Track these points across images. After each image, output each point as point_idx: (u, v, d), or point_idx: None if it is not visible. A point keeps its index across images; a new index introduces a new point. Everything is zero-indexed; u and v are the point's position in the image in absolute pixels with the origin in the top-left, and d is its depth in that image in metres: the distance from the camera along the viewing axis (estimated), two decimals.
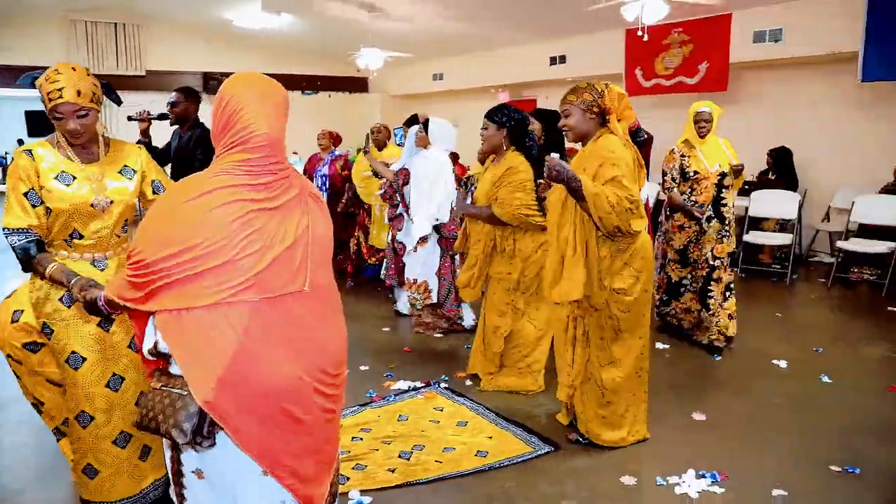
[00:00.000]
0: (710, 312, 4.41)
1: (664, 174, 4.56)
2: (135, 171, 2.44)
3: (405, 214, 5.13)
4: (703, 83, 7.86)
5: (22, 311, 2.43)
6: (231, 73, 1.71)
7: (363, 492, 2.75)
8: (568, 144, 4.00)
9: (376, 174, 5.41)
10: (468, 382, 3.99)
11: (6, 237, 2.23)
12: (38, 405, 2.63)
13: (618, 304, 2.98)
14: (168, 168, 4.27)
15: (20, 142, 9.97)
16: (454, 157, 8.72)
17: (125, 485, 2.48)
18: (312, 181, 6.37)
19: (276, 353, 1.57)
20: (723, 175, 4.37)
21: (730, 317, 4.44)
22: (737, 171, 4.39)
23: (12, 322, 2.46)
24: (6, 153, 11.05)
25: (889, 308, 5.61)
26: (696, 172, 4.40)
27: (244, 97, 1.60)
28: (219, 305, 1.52)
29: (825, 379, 3.99)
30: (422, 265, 4.85)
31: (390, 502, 2.73)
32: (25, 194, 2.23)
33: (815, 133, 7.51)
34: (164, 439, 1.68)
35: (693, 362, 4.34)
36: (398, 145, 6.24)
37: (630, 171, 2.89)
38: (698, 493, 2.75)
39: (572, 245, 2.95)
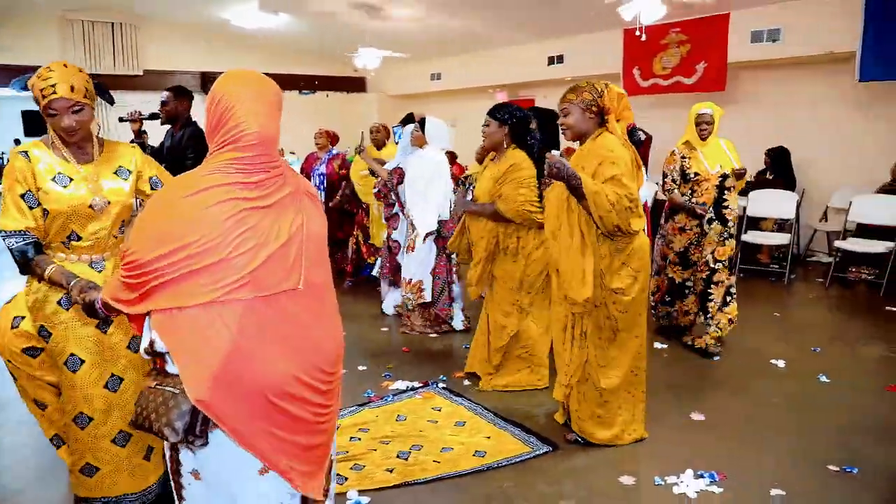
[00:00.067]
0: (709, 316, 4.39)
1: (664, 176, 4.53)
2: (130, 172, 2.43)
3: (401, 213, 5.13)
4: (700, 83, 7.87)
5: (23, 317, 2.42)
6: None
7: (361, 492, 2.75)
8: (566, 143, 4.00)
9: (373, 173, 5.41)
10: (466, 382, 3.99)
11: (3, 239, 2.21)
12: (38, 409, 2.62)
13: (616, 305, 2.98)
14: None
15: (17, 141, 9.95)
16: (452, 156, 8.71)
17: (126, 482, 2.48)
18: (310, 180, 6.36)
19: (270, 351, 1.57)
20: (724, 177, 4.34)
21: (730, 321, 4.41)
22: (738, 174, 4.35)
23: (12, 328, 2.45)
24: (2, 153, 11.06)
25: (887, 308, 5.62)
26: (696, 174, 4.37)
27: (236, 95, 1.59)
28: (213, 304, 1.52)
29: (823, 378, 4.00)
30: (418, 264, 4.85)
31: (388, 502, 2.72)
32: (22, 196, 2.21)
33: (813, 133, 7.52)
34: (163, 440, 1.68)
35: (691, 362, 4.34)
36: (398, 144, 6.23)
37: (629, 171, 2.89)
38: (696, 493, 2.75)
39: (579, 244, 2.94)
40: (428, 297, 4.84)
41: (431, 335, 4.91)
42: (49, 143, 2.30)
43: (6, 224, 2.20)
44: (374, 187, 5.39)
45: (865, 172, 7.05)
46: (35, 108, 2.27)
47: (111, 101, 2.51)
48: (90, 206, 2.28)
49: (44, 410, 2.62)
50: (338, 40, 10.53)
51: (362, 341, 4.79)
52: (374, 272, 5.76)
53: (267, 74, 1.70)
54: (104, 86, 2.46)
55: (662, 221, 4.69)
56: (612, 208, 2.81)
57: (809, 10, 6.87)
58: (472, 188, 4.14)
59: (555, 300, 3.18)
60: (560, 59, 9.67)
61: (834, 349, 4.58)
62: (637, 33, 6.60)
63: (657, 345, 4.59)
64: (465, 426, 3.38)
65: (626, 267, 2.98)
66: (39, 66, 2.21)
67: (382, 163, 5.42)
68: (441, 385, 3.94)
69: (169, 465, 1.74)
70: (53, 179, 2.25)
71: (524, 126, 3.77)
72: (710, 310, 4.39)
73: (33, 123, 9.61)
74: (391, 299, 5.48)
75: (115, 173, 2.39)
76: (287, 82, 12.19)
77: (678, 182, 4.46)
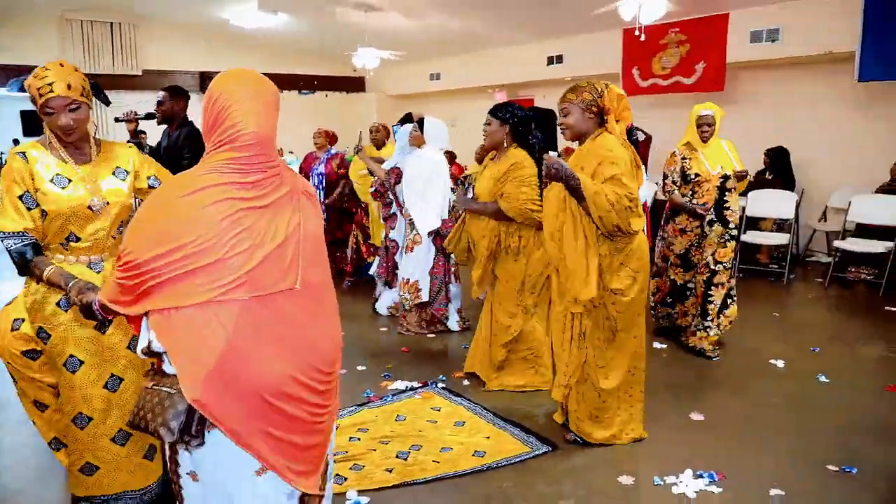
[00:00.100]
0: (708, 318, 4.38)
1: (665, 177, 4.52)
2: (127, 172, 2.42)
3: (398, 213, 5.12)
4: (699, 83, 7.87)
5: (23, 319, 2.42)
6: None
7: (360, 492, 2.75)
8: (565, 143, 4.00)
9: (371, 172, 5.41)
10: (465, 382, 3.99)
11: (1, 241, 2.20)
12: (37, 411, 2.62)
13: (615, 305, 2.98)
14: None
15: (16, 141, 9.95)
16: (451, 156, 8.71)
17: (125, 479, 2.48)
18: (309, 180, 6.36)
19: (266, 351, 1.57)
20: (725, 178, 4.32)
21: (730, 323, 4.40)
22: (740, 176, 4.33)
23: (12, 330, 2.45)
24: (1, 153, 11.05)
25: (886, 307, 5.62)
26: (697, 175, 4.35)
27: (233, 94, 1.59)
28: (209, 304, 1.52)
29: (822, 378, 4.00)
30: (416, 264, 4.84)
31: (388, 502, 2.72)
32: (20, 197, 2.20)
33: (812, 133, 7.52)
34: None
35: (690, 362, 4.33)
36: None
37: (629, 170, 2.89)
38: (696, 493, 2.75)
39: (583, 245, 2.94)
40: (425, 296, 4.84)
41: (429, 335, 4.91)
42: (46, 144, 2.30)
43: (4, 225, 2.19)
44: (371, 186, 5.38)
45: (865, 172, 7.05)
46: (34, 108, 2.27)
47: (107, 102, 2.51)
48: (89, 207, 2.27)
49: (43, 412, 2.62)
50: (337, 40, 10.53)
51: (362, 341, 4.79)
52: (371, 272, 5.76)
53: (266, 74, 1.69)
54: (100, 86, 2.46)
55: (663, 223, 4.68)
56: (611, 208, 2.81)
57: (808, 10, 6.87)
58: (471, 187, 4.14)
59: (554, 300, 3.18)
60: (559, 59, 9.67)
61: (833, 349, 4.58)
62: (636, 33, 6.60)
63: (656, 345, 4.59)
64: (464, 426, 3.38)
65: (624, 267, 2.98)
66: (37, 67, 2.21)
67: (381, 162, 5.41)
68: (440, 385, 3.94)
69: (168, 465, 1.74)
70: (52, 181, 2.24)
71: (526, 125, 3.77)
72: (710, 311, 4.38)
73: (32, 123, 9.62)
74: (385, 300, 5.48)
75: (113, 174, 2.38)
76: (286, 82, 12.20)
77: (678, 183, 4.45)
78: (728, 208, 4.34)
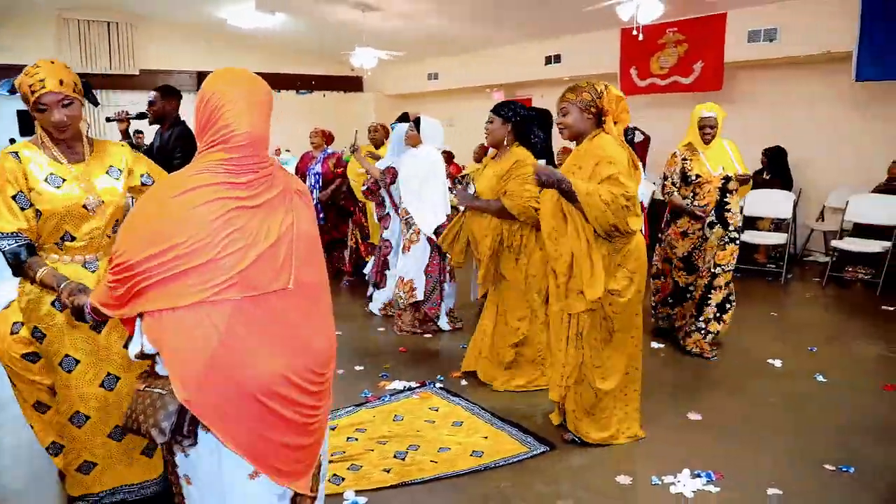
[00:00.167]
0: (701, 319, 4.36)
1: (664, 178, 4.49)
2: (121, 171, 2.42)
3: (392, 213, 5.12)
4: (697, 83, 7.87)
5: (22, 323, 2.41)
6: None
7: (358, 492, 2.74)
8: (562, 143, 4.00)
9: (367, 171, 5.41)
10: (463, 382, 3.98)
11: None
12: (37, 413, 2.61)
13: (612, 306, 2.98)
14: None
15: (12, 141, 9.92)
16: (449, 156, 8.71)
17: (122, 473, 2.49)
18: (305, 179, 6.35)
19: (259, 351, 1.57)
20: (727, 179, 4.27)
21: (727, 327, 4.39)
22: (742, 180, 4.29)
23: (12, 333, 2.44)
24: None
25: (883, 307, 5.63)
26: (697, 176, 4.31)
27: (226, 94, 1.58)
28: (202, 304, 1.51)
29: (820, 378, 4.00)
30: (412, 263, 4.84)
31: (386, 503, 2.71)
32: (14, 197, 2.19)
33: (810, 133, 7.53)
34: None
35: (688, 362, 4.33)
36: None
37: (626, 170, 2.89)
38: (693, 493, 2.75)
39: (586, 246, 2.94)
40: (419, 295, 4.83)
41: (426, 335, 4.90)
42: (39, 144, 2.29)
43: None
44: (364, 185, 5.37)
45: (862, 172, 7.06)
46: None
47: (95, 103, 2.50)
48: (84, 207, 2.27)
49: (45, 413, 2.61)
50: (335, 40, 10.52)
51: (359, 341, 4.78)
52: (366, 271, 5.76)
53: (264, 74, 1.68)
54: (90, 85, 2.45)
55: (664, 225, 4.66)
56: (606, 208, 2.81)
57: (806, 10, 6.87)
58: (470, 184, 4.13)
59: (551, 300, 3.18)
60: (557, 58, 9.67)
61: (831, 349, 4.58)
62: (634, 33, 6.61)
63: (654, 345, 4.59)
64: (462, 426, 3.38)
65: (621, 268, 2.98)
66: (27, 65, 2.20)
67: (378, 158, 5.41)
68: (438, 385, 3.93)
69: (167, 467, 1.74)
70: (46, 180, 2.23)
71: (528, 124, 3.78)
72: (705, 312, 4.36)
73: (28, 123, 9.56)
74: (377, 300, 5.48)
75: (107, 172, 2.38)
76: (284, 82, 12.20)
77: (678, 184, 4.42)
78: (729, 210, 4.31)
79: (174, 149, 4.13)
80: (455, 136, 9.74)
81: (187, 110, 4.18)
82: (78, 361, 2.34)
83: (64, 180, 2.26)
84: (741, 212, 6.66)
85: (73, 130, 2.27)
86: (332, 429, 3.28)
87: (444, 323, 5.00)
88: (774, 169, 7.35)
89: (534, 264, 3.74)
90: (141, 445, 2.52)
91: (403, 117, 5.80)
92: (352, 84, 13.44)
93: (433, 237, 4.75)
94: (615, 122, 3.00)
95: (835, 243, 6.43)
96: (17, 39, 9.79)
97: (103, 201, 2.32)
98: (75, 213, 2.26)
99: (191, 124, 1.98)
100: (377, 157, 5.75)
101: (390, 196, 5.13)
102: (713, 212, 4.31)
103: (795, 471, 2.93)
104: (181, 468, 1.68)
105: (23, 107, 2.28)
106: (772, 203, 6.85)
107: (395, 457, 3.04)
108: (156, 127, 4.48)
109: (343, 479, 2.84)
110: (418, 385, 3.93)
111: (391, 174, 4.98)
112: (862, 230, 6.46)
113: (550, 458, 3.07)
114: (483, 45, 10.60)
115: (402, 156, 4.94)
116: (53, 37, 10.24)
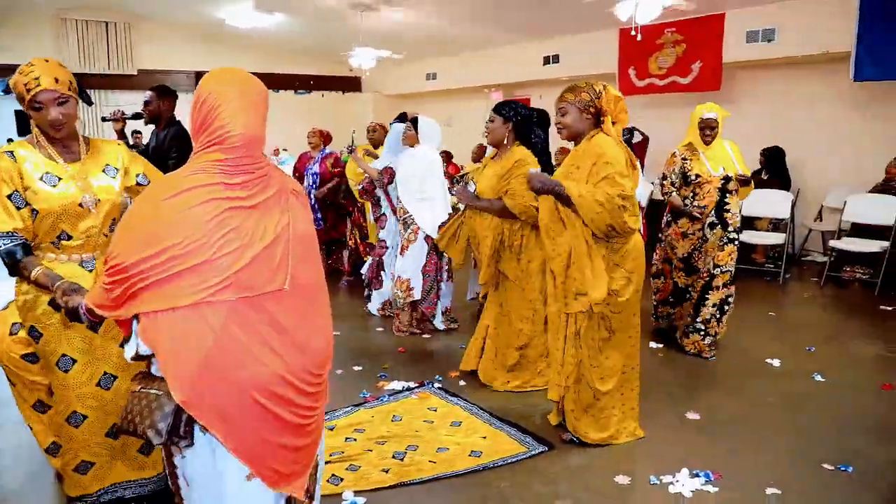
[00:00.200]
0: (700, 321, 4.35)
1: (664, 178, 4.48)
2: (117, 170, 2.41)
3: (388, 213, 5.11)
4: (696, 83, 7.87)
5: (21, 324, 2.40)
6: None
7: (357, 492, 2.74)
8: (560, 143, 4.00)
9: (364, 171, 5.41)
10: (462, 382, 3.98)
11: None
12: (37, 414, 2.61)
13: (610, 306, 2.98)
14: None
15: (10, 141, 9.92)
16: (448, 156, 8.71)
17: (120, 470, 2.49)
18: (303, 179, 6.35)
19: (255, 352, 1.56)
20: (727, 179, 4.26)
21: (724, 328, 4.40)
22: (742, 181, 4.27)
23: (11, 334, 2.44)
24: None
25: (881, 307, 5.64)
26: (697, 176, 4.29)
27: (222, 95, 1.57)
28: (197, 305, 1.51)
29: (818, 378, 4.00)
30: (410, 262, 4.83)
31: (384, 503, 2.71)
32: (9, 196, 2.17)
33: (808, 133, 7.53)
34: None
35: (687, 362, 4.33)
36: None
37: (624, 170, 2.89)
38: (692, 493, 2.75)
39: (586, 248, 2.94)
40: (417, 295, 4.83)
41: (424, 336, 4.90)
42: (34, 143, 2.28)
43: None
44: (359, 185, 5.37)
45: (861, 172, 7.06)
46: None
47: (88, 102, 2.49)
48: (80, 205, 2.26)
49: (45, 412, 2.61)
50: (333, 40, 10.50)
51: (358, 341, 4.78)
52: (363, 271, 5.75)
53: (262, 74, 1.68)
54: (83, 85, 2.44)
55: (664, 226, 4.65)
56: (601, 209, 2.81)
57: (805, 10, 6.87)
58: (469, 184, 4.12)
59: (549, 300, 3.18)
60: (556, 58, 9.66)
61: (829, 348, 4.59)
62: (633, 33, 6.60)
63: (653, 344, 4.59)
64: (461, 426, 3.38)
65: (619, 268, 2.98)
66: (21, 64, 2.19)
67: (377, 157, 5.41)
68: (437, 385, 3.93)
69: (167, 468, 1.73)
70: (42, 179, 2.22)
71: (528, 124, 3.78)
72: (703, 313, 4.35)
73: (26, 124, 9.56)
74: (375, 300, 5.47)
75: (103, 171, 2.37)
76: (283, 82, 12.19)
77: (678, 185, 4.41)
78: (728, 210, 4.29)
79: (170, 149, 4.12)
80: (454, 136, 9.74)
81: (184, 110, 4.19)
82: (75, 361, 2.34)
83: (60, 179, 2.25)
84: (740, 212, 6.71)
85: (68, 129, 2.26)
86: (331, 429, 3.28)
87: (439, 322, 5.00)
88: (772, 169, 7.35)
89: (533, 263, 3.73)
90: (138, 443, 2.51)
91: (401, 117, 5.79)
92: (350, 84, 13.42)
93: (432, 236, 4.75)
94: (614, 123, 3.00)
95: (833, 243, 6.43)
96: (16, 39, 9.77)
97: (100, 199, 2.31)
98: (71, 212, 2.25)
99: (187, 124, 1.98)
100: (375, 157, 5.74)
101: (387, 196, 5.13)
102: (713, 212, 4.30)
103: (794, 470, 2.93)
104: (179, 469, 1.67)
105: (20, 107, 2.27)
106: (770, 203, 6.85)
107: (393, 457, 3.04)
108: (153, 127, 4.49)
109: (342, 479, 2.83)
110: (417, 385, 3.92)
111: (389, 174, 4.98)
112: (860, 230, 6.46)
113: (549, 458, 3.07)
114: (482, 45, 10.59)
115: (399, 155, 4.93)
116: (52, 37, 10.21)
